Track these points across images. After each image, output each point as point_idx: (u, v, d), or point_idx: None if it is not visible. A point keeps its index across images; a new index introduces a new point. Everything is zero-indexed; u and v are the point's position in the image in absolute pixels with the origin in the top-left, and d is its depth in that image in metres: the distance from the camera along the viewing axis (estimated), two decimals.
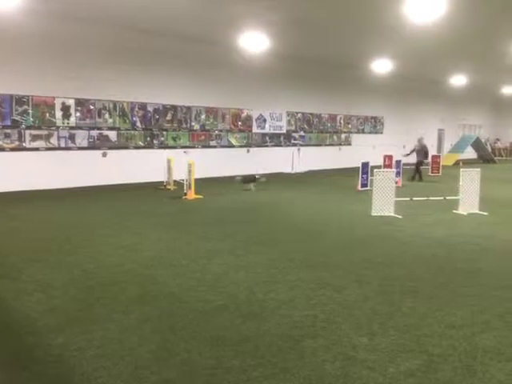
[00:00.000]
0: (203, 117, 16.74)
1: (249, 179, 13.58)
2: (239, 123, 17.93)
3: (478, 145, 26.91)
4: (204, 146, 16.85)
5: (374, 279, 5.31)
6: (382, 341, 3.73)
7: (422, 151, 16.64)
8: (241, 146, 18.08)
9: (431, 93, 26.67)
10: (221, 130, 17.35)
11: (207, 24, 13.28)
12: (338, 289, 4.96)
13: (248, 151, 18.30)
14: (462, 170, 9.93)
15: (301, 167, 19.20)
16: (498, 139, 34.34)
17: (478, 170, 9.93)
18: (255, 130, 18.51)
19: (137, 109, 14.95)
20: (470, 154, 26.83)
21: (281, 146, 19.55)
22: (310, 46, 16.50)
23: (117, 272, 5.52)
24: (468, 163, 23.51)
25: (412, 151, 16.91)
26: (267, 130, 18.95)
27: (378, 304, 4.53)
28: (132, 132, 14.89)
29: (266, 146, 18.99)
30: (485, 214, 9.55)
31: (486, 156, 27.39)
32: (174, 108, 15.89)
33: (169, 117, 15.77)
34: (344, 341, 3.73)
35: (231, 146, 17.75)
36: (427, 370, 3.26)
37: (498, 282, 5.27)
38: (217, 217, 9.27)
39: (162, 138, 15.66)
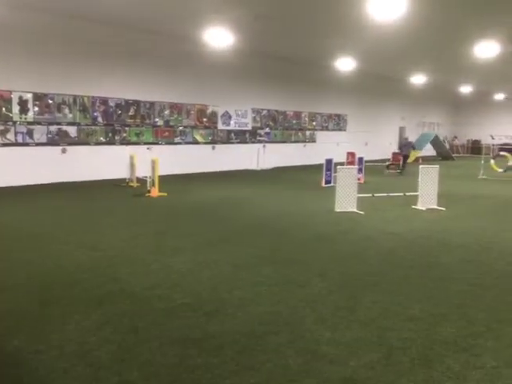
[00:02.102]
0: (167, 112, 16.51)
1: None
2: (204, 119, 17.80)
3: (436, 142, 27.80)
4: (168, 143, 16.62)
5: (337, 274, 5.40)
6: (345, 334, 3.79)
7: (408, 146, 19.62)
8: (206, 143, 17.97)
9: (393, 91, 27.33)
10: (185, 127, 17.17)
11: (172, 19, 13.10)
12: (302, 284, 5.01)
13: (213, 148, 18.20)
14: (421, 166, 10.22)
15: (266, 164, 19.27)
16: (455, 137, 35.62)
17: (437, 167, 10.26)
18: (220, 126, 18.43)
19: (98, 103, 14.57)
20: (429, 151, 27.69)
21: (246, 142, 19.55)
22: (275, 43, 16.55)
23: (77, 271, 5.37)
24: (427, 160, 24.28)
25: (401, 147, 19.91)
26: (232, 126, 18.91)
27: (340, 298, 4.61)
28: (93, 127, 14.51)
29: (232, 142, 18.95)
30: (442, 209, 9.88)
31: (444, 153, 28.34)
32: (137, 103, 15.59)
33: (131, 112, 15.47)
34: (307, 335, 3.77)
35: (196, 142, 17.60)
36: (387, 362, 3.35)
37: (454, 275, 5.47)
38: (181, 214, 9.18)
39: (125, 134, 15.33)
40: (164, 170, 13.05)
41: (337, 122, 24.57)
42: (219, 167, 17.89)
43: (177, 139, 16.92)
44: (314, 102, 22.75)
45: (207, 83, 17.52)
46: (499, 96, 32.41)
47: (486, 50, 14.80)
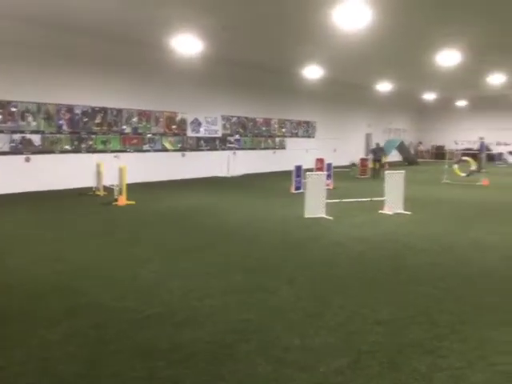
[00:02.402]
0: (135, 120, 16.30)
1: None
2: (173, 127, 17.67)
3: (402, 148, 28.51)
4: (137, 150, 16.40)
5: (307, 280, 5.44)
6: (314, 341, 3.82)
7: (380, 151, 20.82)
8: (175, 150, 17.82)
9: (360, 98, 27.89)
10: (154, 134, 16.99)
11: (140, 26, 12.98)
12: (272, 291, 5.02)
13: (183, 155, 18.07)
14: (387, 172, 10.45)
15: (236, 171, 19.27)
16: (420, 142, 36.61)
17: (403, 172, 10.51)
18: (190, 133, 18.33)
19: (63, 111, 14.25)
20: (395, 156, 28.35)
21: (216, 150, 19.51)
22: (243, 51, 16.65)
23: (41, 284, 5.21)
24: (394, 165, 24.84)
25: (372, 152, 21.05)
26: (202, 133, 18.84)
27: (309, 304, 4.64)
28: (58, 135, 14.16)
29: (201, 150, 18.87)
30: (408, 213, 10.12)
31: (410, 158, 29.08)
32: (104, 110, 15.33)
33: (98, 119, 15.19)
34: (277, 343, 3.77)
35: (165, 150, 17.44)
36: (356, 366, 3.38)
37: (420, 277, 5.60)
38: (149, 223, 9.06)
39: (91, 142, 15.03)
40: (132, 177, 12.87)
41: (306, 129, 24.84)
42: (189, 174, 17.78)
43: (145, 147, 16.72)
44: (283, 109, 22.95)
45: (176, 90, 17.43)
46: (461, 103, 33.57)
47: (448, 58, 15.31)
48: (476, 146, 26.05)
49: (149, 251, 6.73)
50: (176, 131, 17.76)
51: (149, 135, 16.78)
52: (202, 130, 18.77)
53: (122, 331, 3.98)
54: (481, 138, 24.41)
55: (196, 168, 18.24)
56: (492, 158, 28.98)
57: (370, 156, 21.47)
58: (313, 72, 19.39)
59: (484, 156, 21.08)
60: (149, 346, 3.69)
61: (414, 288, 5.18)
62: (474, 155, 21.49)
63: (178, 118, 17.82)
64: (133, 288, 5.12)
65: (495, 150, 31.21)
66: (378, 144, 21.66)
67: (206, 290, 5.03)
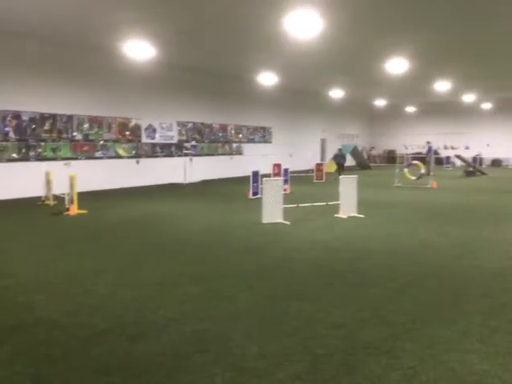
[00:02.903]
0: (86, 126, 15.83)
1: None
2: (127, 133, 17.29)
3: (355, 153, 29.28)
4: (88, 158, 15.92)
5: (264, 286, 5.44)
6: (271, 347, 3.81)
7: (342, 156, 22.44)
8: (129, 157, 17.44)
9: (314, 105, 28.44)
10: (107, 140, 16.56)
11: (90, 30, 12.65)
12: (229, 299, 4.99)
13: (137, 162, 17.72)
14: (341, 177, 10.68)
15: (193, 177, 19.11)
16: (373, 147, 37.75)
17: (356, 176, 10.77)
18: (145, 140, 18.00)
19: (9, 118, 13.62)
20: (349, 161, 29.02)
21: (172, 156, 19.27)
22: (198, 57, 16.58)
23: None
24: (347, 170, 25.45)
25: (336, 157, 22.76)
26: (157, 140, 18.55)
27: (267, 310, 4.64)
28: (4, 143, 13.52)
29: (157, 156, 18.58)
30: (362, 216, 10.37)
31: (363, 163, 29.89)
32: (53, 117, 14.79)
33: (47, 126, 14.64)
34: (234, 351, 3.74)
35: (119, 156, 17.03)
36: (312, 371, 3.41)
37: (373, 279, 5.73)
38: (102, 233, 8.79)
39: (40, 150, 14.46)
40: (84, 186, 12.48)
41: (262, 135, 25.02)
42: (144, 182, 17.46)
43: (98, 154, 16.26)
44: (239, 115, 23.03)
45: (129, 96, 17.10)
46: (410, 109, 34.92)
47: (397, 66, 15.89)
48: (425, 150, 27.14)
49: (101, 263, 6.53)
50: (130, 137, 17.39)
51: (101, 142, 16.34)
52: (157, 136, 18.49)
53: (73, 348, 3.82)
54: (428, 143, 25.46)
55: (151, 175, 17.94)
56: (440, 161, 30.29)
57: (332, 160, 22.99)
58: (268, 79, 19.59)
59: (432, 159, 21.99)
60: (102, 362, 3.56)
61: (368, 290, 5.29)
62: (423, 159, 22.37)
63: (132, 124, 17.47)
64: (85, 302, 4.93)
65: (443, 153, 32.63)
66: (340, 149, 22.98)
67: (160, 301, 4.93)
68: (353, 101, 31.07)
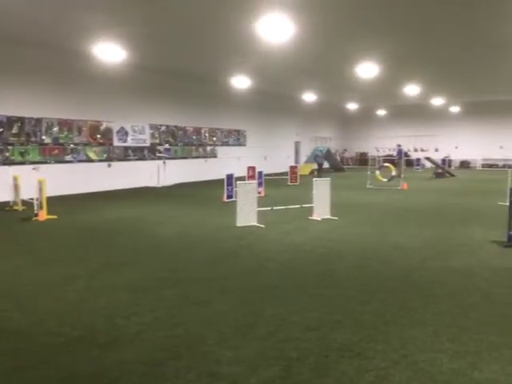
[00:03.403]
0: (56, 129, 15.47)
1: None
2: (98, 136, 16.99)
3: (329, 155, 29.59)
4: (58, 162, 15.55)
5: (238, 290, 5.42)
6: (246, 352, 3.79)
7: (322, 158, 25.19)
8: (101, 161, 17.13)
9: (288, 108, 28.62)
10: (77, 144, 16.22)
11: (60, 32, 12.38)
12: (203, 304, 4.94)
13: (109, 165, 17.42)
14: (314, 179, 10.77)
15: (167, 181, 18.92)
16: (345, 150, 38.26)
17: (329, 179, 10.88)
18: (116, 143, 17.72)
19: None
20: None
21: (145, 159, 19.03)
22: (171, 59, 16.46)
23: None
24: (319, 173, 25.70)
25: (315, 159, 25.17)
26: (129, 143, 18.29)
27: (241, 314, 4.62)
28: None
29: (129, 159, 18.31)
30: (335, 218, 10.48)
31: (336, 165, 30.25)
32: (21, 120, 14.39)
33: (15, 130, 14.23)
34: (208, 357, 3.71)
35: (90, 160, 16.71)
36: (286, 375, 3.41)
37: (346, 281, 5.79)
38: (72, 238, 8.59)
39: (7, 154, 14.04)
40: (54, 190, 12.19)
41: (237, 138, 25.01)
42: (116, 185, 17.18)
43: (68, 157, 15.91)
44: (213, 117, 22.96)
45: (100, 98, 16.81)
46: (381, 112, 35.56)
47: (367, 70, 16.17)
48: (396, 153, 27.69)
49: (72, 269, 6.37)
50: (101, 141, 17.09)
51: (71, 145, 16.00)
52: (129, 139, 18.23)
53: (41, 357, 3.71)
54: (398, 146, 25.97)
55: (124, 179, 17.67)
56: (411, 163, 30.94)
57: (314, 160, 25.12)
58: (241, 82, 19.60)
59: (403, 162, 22.45)
60: (71, 372, 3.47)
61: (341, 292, 5.34)
62: (394, 161, 22.80)
63: (103, 127, 17.18)
64: (54, 310, 4.80)
65: (413, 155, 33.35)
66: (321, 151, 24.95)
67: (132, 308, 4.84)
68: (325, 104, 31.42)
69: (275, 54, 14.62)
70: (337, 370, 3.48)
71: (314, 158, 25.53)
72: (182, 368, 3.52)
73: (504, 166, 30.37)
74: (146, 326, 4.34)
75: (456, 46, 14.25)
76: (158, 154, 19.55)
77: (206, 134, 22.76)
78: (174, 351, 3.82)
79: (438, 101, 29.36)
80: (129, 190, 17.22)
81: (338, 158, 34.84)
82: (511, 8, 10.15)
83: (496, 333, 4.14)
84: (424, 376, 3.38)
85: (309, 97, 26.44)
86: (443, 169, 26.29)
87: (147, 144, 19.18)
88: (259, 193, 13.76)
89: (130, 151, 18.32)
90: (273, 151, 27.53)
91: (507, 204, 8.30)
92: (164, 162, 19.32)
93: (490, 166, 32.41)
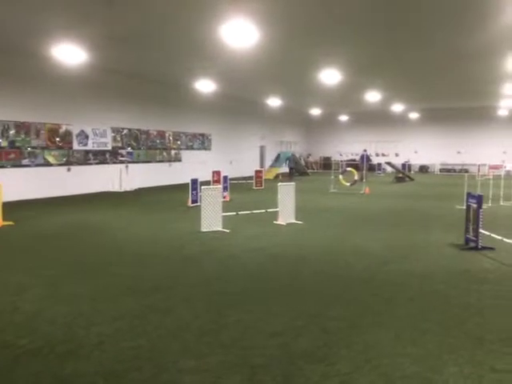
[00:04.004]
0: (12, 132, 14.87)
1: None
2: (57, 139, 16.46)
3: (293, 160, 29.84)
4: (15, 166, 14.94)
5: (202, 297, 5.35)
6: (209, 360, 3.74)
7: (293, 162, 27.50)
8: (60, 165, 16.60)
9: (253, 112, 28.70)
10: (35, 147, 15.65)
11: (17, 33, 11.91)
12: (166, 312, 4.85)
13: (69, 170, 16.90)
14: (279, 184, 10.82)
15: (130, 185, 18.55)
16: (310, 154, 38.72)
17: (293, 183, 10.96)
18: (76, 146, 17.22)
19: None
20: (287, 168, 29.55)
21: (106, 163, 18.58)
22: (134, 62, 16.16)
23: None
24: (286, 177, 25.92)
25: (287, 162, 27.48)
26: (90, 146, 17.82)
27: (205, 322, 4.56)
28: None
29: (90, 163, 17.84)
30: (300, 223, 10.56)
31: (300, 169, 30.56)
32: None
33: None
34: (171, 367, 3.63)
35: (48, 164, 16.15)
36: (250, 383, 3.38)
37: (310, 286, 5.83)
38: (30, 245, 8.26)
39: None
40: (11, 195, 11.72)
41: (202, 142, 24.85)
42: (76, 190, 16.69)
43: (25, 161, 15.32)
44: (178, 121, 22.72)
45: (60, 101, 16.31)
46: (344, 117, 36.26)
47: (329, 76, 16.43)
48: (358, 157, 28.31)
49: (28, 277, 6.12)
50: (60, 144, 16.57)
51: (28, 149, 15.42)
52: (89, 142, 17.76)
53: None
54: (364, 151, 26.55)
55: (84, 183, 17.19)
56: (373, 167, 31.66)
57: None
58: (206, 86, 19.50)
59: (366, 166, 22.96)
60: None
61: (305, 297, 5.37)
62: (357, 166, 23.27)
63: (62, 130, 16.65)
64: (10, 320, 4.59)
65: (375, 160, 34.15)
66: (293, 154, 27.27)
67: (93, 317, 4.69)
68: (290, 109, 31.73)
69: (239, 59, 14.64)
70: (300, 376, 3.48)
71: (286, 161, 27.39)
72: (144, 380, 3.43)
73: (461, 171, 31.58)
74: (107, 337, 4.21)
75: (415, 56, 14.71)
76: (120, 158, 19.14)
77: (170, 138, 22.50)
78: (135, 362, 3.72)
79: (398, 107, 30.21)
80: (90, 195, 16.76)
81: (303, 162, 35.22)
82: (466, 21, 10.57)
83: (454, 335, 4.27)
84: (387, 380, 3.43)
85: (273, 101, 26.62)
86: (403, 173, 27.05)
87: (109, 148, 18.75)
88: (224, 197, 13.71)
89: (90, 155, 17.84)
90: (238, 155, 27.53)
91: (464, 208, 8.62)
92: (126, 166, 18.94)
93: (448, 170, 33.60)
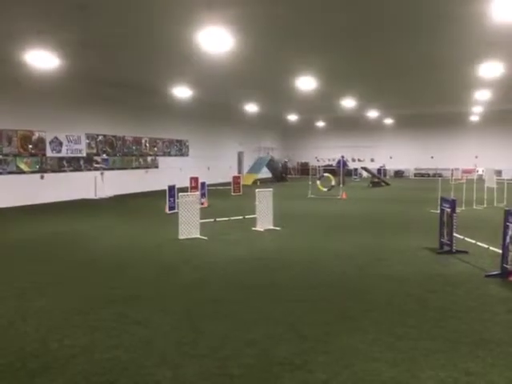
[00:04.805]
0: None
1: None
2: (30, 146, 16.09)
3: (271, 165, 29.98)
4: None
5: (180, 307, 5.29)
6: (187, 371, 3.69)
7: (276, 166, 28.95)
8: (33, 172, 16.23)
9: (231, 118, 28.70)
10: (7, 155, 15.26)
11: None
12: (143, 323, 4.76)
13: (42, 177, 16.53)
14: (257, 190, 10.81)
15: (105, 192, 18.27)
16: (287, 160, 38.91)
17: (271, 189, 10.97)
18: (50, 153, 16.87)
19: None
20: (265, 173, 29.68)
21: (81, 170, 18.26)
22: (107, 68, 15.95)
23: None
24: (264, 182, 25.98)
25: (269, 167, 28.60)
26: (64, 153, 17.48)
27: (182, 333, 4.50)
28: None
29: (64, 171, 17.49)
30: (278, 229, 10.57)
31: (278, 175, 30.65)
32: None
33: None
34: (147, 379, 3.56)
35: (21, 172, 15.77)
36: None
37: (288, 293, 5.82)
38: (0, 255, 8.02)
39: None
40: None
41: (179, 148, 24.70)
42: (50, 198, 16.33)
43: None
44: (154, 127, 22.53)
45: (32, 107, 15.97)
46: (320, 123, 36.60)
47: (306, 83, 16.57)
48: (335, 163, 28.65)
49: None
50: (33, 151, 16.20)
51: (0, 156, 15.02)
52: (63, 149, 17.42)
53: None
54: (342, 157, 26.83)
55: (58, 191, 16.83)
56: (349, 173, 32.03)
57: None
58: (182, 92, 19.39)
59: (342, 172, 23.20)
60: None
61: (283, 304, 5.36)
62: (334, 171, 23.49)
63: (35, 136, 16.31)
64: None
65: (351, 165, 34.57)
66: (272, 160, 28.92)
67: (66, 330, 4.57)
68: (267, 115, 31.85)
69: (216, 66, 14.61)
70: None
71: (269, 166, 28.82)
72: None
73: (435, 175, 32.24)
74: (81, 349, 4.11)
75: (388, 63, 14.98)
76: (95, 165, 18.84)
77: (147, 144, 22.28)
78: (111, 375, 3.63)
79: (373, 113, 30.67)
80: (64, 203, 16.42)
81: (281, 168, 35.35)
82: (438, 30, 10.83)
83: (430, 338, 4.32)
84: None
85: (251, 108, 26.68)
86: (379, 178, 27.45)
87: (83, 154, 18.43)
88: (202, 204, 13.62)
89: (64, 162, 17.50)
90: (216, 161, 27.45)
91: (438, 212, 8.78)
92: (102, 173, 18.65)
93: (422, 175, 34.25)
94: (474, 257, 7.67)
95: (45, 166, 16.66)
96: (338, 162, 25.38)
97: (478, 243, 8.10)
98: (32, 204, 15.49)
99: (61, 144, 17.30)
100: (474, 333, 4.44)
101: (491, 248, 7.61)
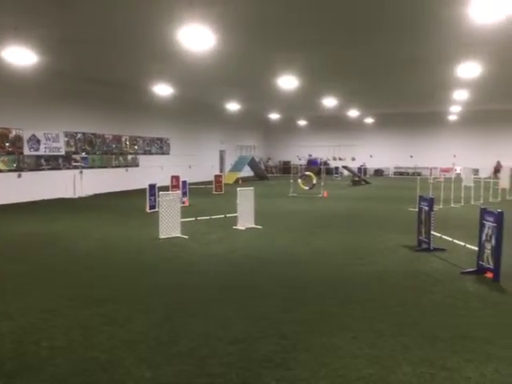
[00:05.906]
0: None
1: None
2: (7, 144, 15.75)
3: (253, 164, 29.99)
4: None
5: (160, 306, 5.25)
6: (167, 371, 3.67)
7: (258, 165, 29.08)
8: (10, 171, 15.88)
9: (212, 116, 28.59)
10: None
11: None
12: (122, 322, 4.72)
13: (19, 176, 16.20)
14: (238, 189, 10.80)
15: (85, 191, 18.00)
16: (269, 158, 38.98)
17: (252, 188, 10.97)
18: (27, 151, 16.54)
19: None
20: (247, 172, 29.66)
21: (60, 169, 17.95)
22: (86, 65, 15.71)
23: None
24: (246, 181, 25.98)
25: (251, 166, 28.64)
26: (42, 151, 17.16)
27: (162, 332, 4.47)
28: None
29: (42, 169, 17.17)
30: (259, 227, 10.58)
31: (260, 174, 30.70)
32: None
33: None
34: (126, 379, 3.53)
35: None
36: None
37: (270, 291, 5.83)
38: None
39: None
40: None
41: (160, 146, 24.49)
42: (28, 197, 16.00)
43: None
44: (134, 125, 22.28)
45: (9, 104, 15.62)
46: (302, 122, 36.77)
47: (287, 82, 16.60)
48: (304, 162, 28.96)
49: None
50: (10, 149, 15.86)
51: None
52: (41, 147, 17.09)
53: None
54: (309, 155, 26.93)
55: (36, 189, 16.51)
56: (330, 171, 32.26)
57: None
58: (163, 89, 19.23)
59: (322, 170, 23.35)
60: None
61: (264, 302, 5.36)
62: (318, 169, 23.63)
63: (12, 134, 15.96)
64: None
65: (332, 164, 34.83)
66: (258, 162, 29.71)
67: (44, 331, 4.50)
68: (249, 113, 31.84)
69: (197, 63, 14.54)
70: (259, 382, 3.47)
71: (250, 167, 28.92)
72: None
73: (414, 174, 32.73)
74: (59, 350, 4.05)
75: (368, 63, 15.13)
76: (73, 163, 18.53)
77: (127, 142, 22.03)
78: (89, 375, 3.59)
79: (353, 112, 30.95)
80: (42, 202, 16.12)
81: (263, 166, 35.39)
82: (416, 30, 10.97)
83: (408, 334, 4.39)
84: (343, 382, 3.48)
85: (232, 106, 26.63)
86: (359, 177, 27.72)
87: (62, 152, 18.12)
88: (183, 203, 13.54)
89: (42, 160, 17.18)
90: (197, 160, 27.32)
91: (417, 210, 8.91)
92: (81, 172, 18.36)
93: (401, 173, 34.73)
94: (451, 254, 7.81)
95: (22, 165, 16.32)
96: (309, 162, 25.54)
97: (455, 241, 8.25)
98: (9, 203, 15.16)
99: (39, 142, 16.97)
100: (451, 329, 4.53)
101: (468, 245, 7.77)
